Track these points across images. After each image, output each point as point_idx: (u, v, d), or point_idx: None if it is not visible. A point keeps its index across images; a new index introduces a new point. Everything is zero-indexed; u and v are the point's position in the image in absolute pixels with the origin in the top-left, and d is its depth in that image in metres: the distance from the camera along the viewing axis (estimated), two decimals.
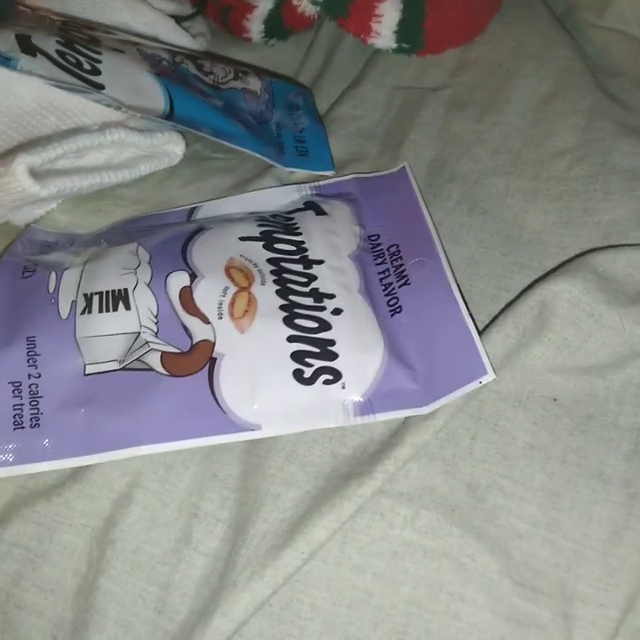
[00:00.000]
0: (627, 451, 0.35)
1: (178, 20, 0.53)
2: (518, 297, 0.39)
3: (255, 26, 0.54)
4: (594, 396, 0.37)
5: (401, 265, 0.40)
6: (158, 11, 0.50)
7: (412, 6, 0.51)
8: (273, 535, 0.33)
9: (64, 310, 0.37)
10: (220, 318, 0.36)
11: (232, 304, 0.37)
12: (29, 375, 0.35)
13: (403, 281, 0.39)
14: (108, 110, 0.41)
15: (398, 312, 0.38)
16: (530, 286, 0.39)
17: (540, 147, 0.47)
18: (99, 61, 0.40)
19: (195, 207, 0.44)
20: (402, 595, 0.32)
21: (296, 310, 0.37)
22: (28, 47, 0.39)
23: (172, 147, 0.45)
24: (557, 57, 0.53)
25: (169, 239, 0.40)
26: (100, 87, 0.39)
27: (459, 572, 0.32)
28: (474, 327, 0.36)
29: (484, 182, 0.46)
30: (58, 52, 0.39)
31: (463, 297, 0.38)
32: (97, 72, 0.39)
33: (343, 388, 0.35)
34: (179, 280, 0.37)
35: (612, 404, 0.36)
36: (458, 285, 0.38)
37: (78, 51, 0.40)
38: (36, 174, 0.38)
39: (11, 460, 0.34)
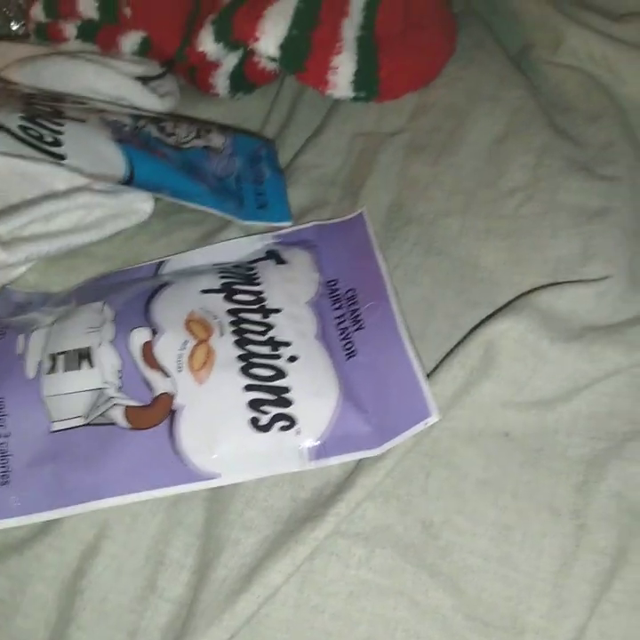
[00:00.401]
0: (576, 482, 0.36)
1: (147, 80, 0.55)
2: (468, 336, 0.40)
3: (221, 82, 0.56)
4: (544, 429, 0.38)
5: (356, 309, 0.42)
6: (125, 74, 0.53)
7: (367, 57, 0.53)
8: (232, 580, 0.34)
9: (31, 371, 0.38)
10: (180, 371, 0.38)
11: (191, 357, 0.38)
12: None
13: (358, 325, 0.41)
14: (74, 174, 0.43)
15: (353, 356, 0.40)
16: (480, 324, 0.40)
17: (493, 186, 0.49)
18: (61, 133, 0.42)
19: (162, 261, 0.46)
20: (359, 633, 0.33)
21: (253, 360, 0.38)
22: None
23: (140, 204, 0.47)
24: (511, 97, 0.54)
25: (133, 296, 0.42)
26: (61, 158, 0.41)
27: (413, 609, 0.33)
28: (421, 370, 0.37)
29: (440, 223, 0.47)
30: (20, 127, 0.41)
31: (413, 339, 0.39)
32: (58, 143, 0.42)
33: (298, 433, 0.36)
34: (140, 336, 0.39)
35: (561, 436, 0.37)
36: (408, 328, 0.39)
37: (41, 124, 0.42)
38: (3, 242, 0.40)
39: None
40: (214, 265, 0.45)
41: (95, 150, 0.43)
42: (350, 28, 0.54)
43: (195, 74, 0.57)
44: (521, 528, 0.35)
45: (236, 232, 0.48)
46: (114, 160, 0.43)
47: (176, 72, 0.59)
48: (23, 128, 0.41)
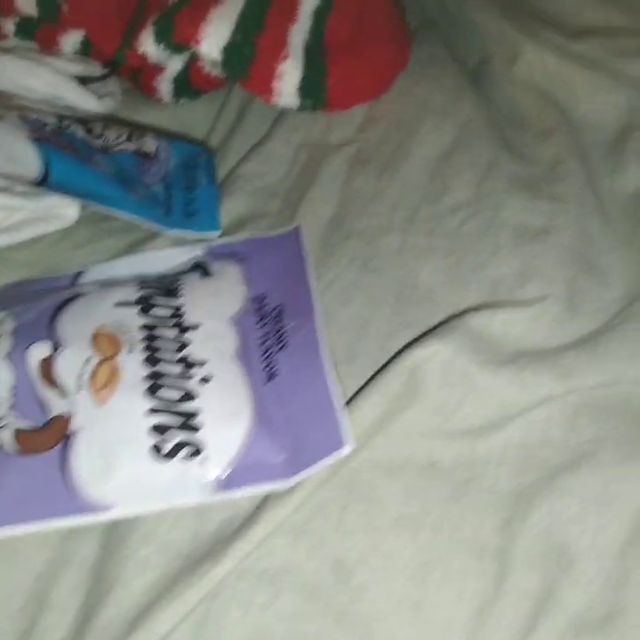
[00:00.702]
0: (502, 518, 0.32)
1: (86, 80, 0.51)
2: (392, 360, 0.36)
3: (165, 86, 0.53)
4: (473, 460, 0.34)
5: (281, 328, 0.38)
6: (62, 73, 0.49)
7: (314, 64, 0.50)
8: (118, 625, 0.30)
9: None
10: (79, 391, 0.34)
11: (93, 375, 0.34)
12: None
13: (281, 345, 0.37)
14: None
15: (273, 378, 0.36)
16: (406, 347, 0.37)
17: (436, 202, 0.45)
18: None
19: (81, 271, 0.42)
20: None
21: (161, 380, 0.34)
22: None
23: (64, 209, 0.43)
24: (460, 112, 0.51)
25: (41, 307, 0.38)
26: None
27: None
28: (338, 396, 0.34)
29: (380, 239, 0.44)
30: None
31: (335, 362, 0.36)
32: None
33: (204, 462, 0.32)
34: (40, 351, 0.35)
35: (491, 467, 0.34)
36: (331, 350, 0.36)
37: None
38: None
39: None
40: (137, 276, 0.41)
41: (8, 149, 0.39)
42: (298, 35, 0.50)
43: (139, 77, 0.54)
44: (440, 568, 0.31)
45: (166, 242, 0.44)
46: (28, 159, 0.39)
47: (121, 74, 0.55)
48: None
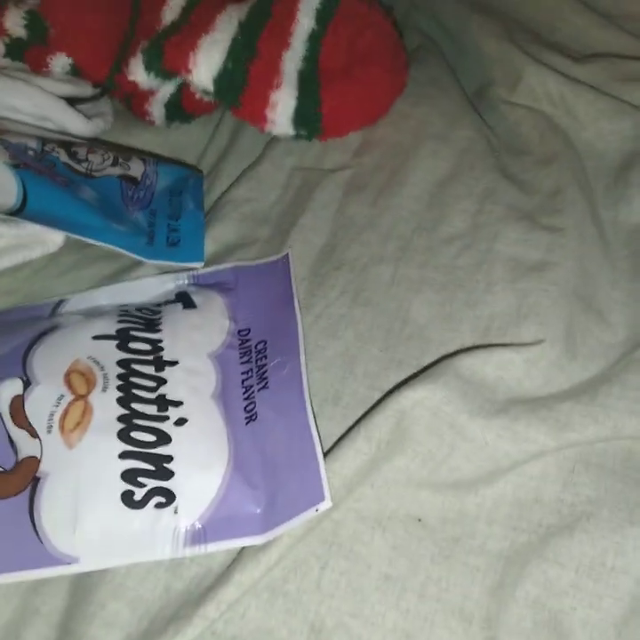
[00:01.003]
0: (492, 583, 0.29)
1: (76, 101, 0.49)
2: (378, 403, 0.33)
3: (157, 110, 0.50)
4: (463, 516, 0.31)
5: (264, 365, 0.35)
6: (49, 93, 0.47)
7: (309, 92, 0.47)
8: None
9: None
10: (49, 432, 0.31)
11: (65, 415, 0.31)
12: None
13: (263, 384, 0.34)
14: None
15: (253, 420, 0.33)
16: (394, 390, 0.34)
17: (432, 232, 0.42)
18: None
19: (62, 300, 0.39)
20: None
21: (135, 421, 0.31)
22: None
23: (49, 235, 0.41)
24: (459, 137, 0.48)
25: (15, 339, 0.35)
26: None
27: None
28: (318, 443, 0.31)
29: (371, 270, 0.41)
30: None
31: (328, 401, 0.33)
32: None
33: (176, 512, 0.30)
34: (11, 388, 0.32)
35: (482, 525, 0.31)
36: (310, 391, 0.33)
37: None
38: None
39: None
40: (118, 306, 0.39)
41: None
42: (292, 62, 0.47)
43: (131, 99, 0.51)
44: (425, 636, 0.28)
45: (152, 270, 0.41)
46: (5, 187, 0.37)
47: (113, 95, 0.52)
48: None
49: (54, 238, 0.41)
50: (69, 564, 0.29)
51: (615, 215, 0.43)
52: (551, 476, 0.31)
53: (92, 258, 0.43)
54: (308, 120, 0.47)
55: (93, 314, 0.38)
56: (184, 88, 0.49)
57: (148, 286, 0.40)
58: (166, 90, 0.49)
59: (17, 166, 0.38)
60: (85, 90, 0.50)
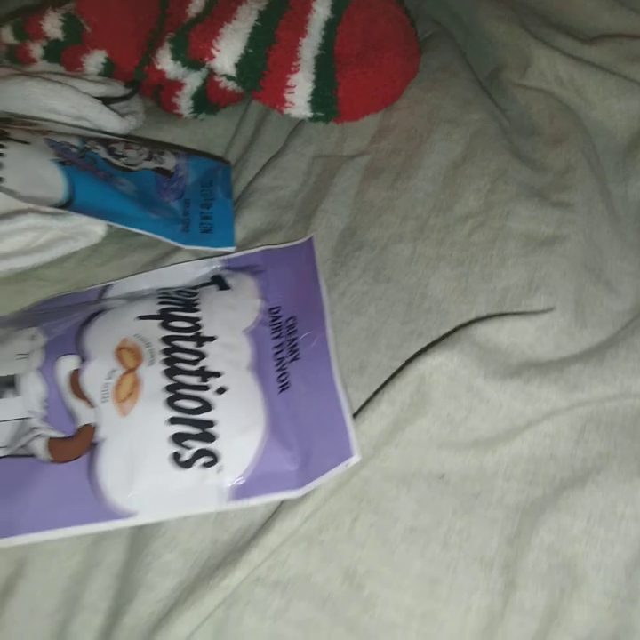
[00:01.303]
0: (510, 532, 0.31)
1: (110, 100, 0.51)
2: (400, 370, 0.35)
3: (184, 102, 0.52)
4: (482, 472, 0.33)
5: (294, 339, 0.37)
6: (84, 94, 0.48)
7: (325, 76, 0.48)
8: (141, 629, 0.29)
9: None
10: (104, 401, 0.33)
11: (117, 387, 0.34)
12: None
13: (294, 356, 0.36)
14: (8, 198, 0.39)
15: (286, 389, 0.35)
16: (413, 358, 0.35)
17: (447, 212, 0.44)
18: (2, 155, 0.38)
19: (108, 285, 0.41)
20: None
21: (180, 391, 0.34)
22: None
23: (92, 227, 0.43)
24: (471, 120, 0.49)
25: (69, 322, 0.37)
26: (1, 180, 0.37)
27: None
28: (347, 406, 0.32)
29: (391, 249, 0.42)
30: None
31: (345, 372, 0.34)
32: (2, 165, 0.38)
33: (220, 470, 0.32)
34: (68, 364, 0.34)
35: (499, 480, 0.32)
36: (344, 362, 0.35)
37: None
38: None
39: None
40: (159, 290, 0.41)
41: (35, 173, 0.38)
42: (308, 48, 0.49)
43: (159, 94, 0.53)
44: (448, 581, 0.30)
45: (187, 256, 0.43)
46: (54, 182, 0.39)
47: (142, 93, 0.54)
48: None
49: (97, 230, 0.43)
50: (127, 518, 0.31)
51: (625, 190, 0.44)
52: (564, 434, 0.32)
53: (131, 247, 0.45)
54: (325, 102, 0.49)
55: (136, 297, 0.40)
56: (210, 79, 0.50)
57: (185, 271, 0.42)
58: (193, 82, 0.51)
59: (63, 163, 0.39)
60: (117, 90, 0.52)
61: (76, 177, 0.39)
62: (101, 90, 0.50)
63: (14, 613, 0.31)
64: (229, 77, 0.47)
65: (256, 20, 0.47)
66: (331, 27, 0.49)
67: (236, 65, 0.46)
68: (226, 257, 0.42)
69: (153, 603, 0.30)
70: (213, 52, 0.46)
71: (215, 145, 0.54)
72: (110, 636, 0.30)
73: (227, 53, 0.46)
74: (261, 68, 0.47)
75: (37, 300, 0.42)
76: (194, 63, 0.47)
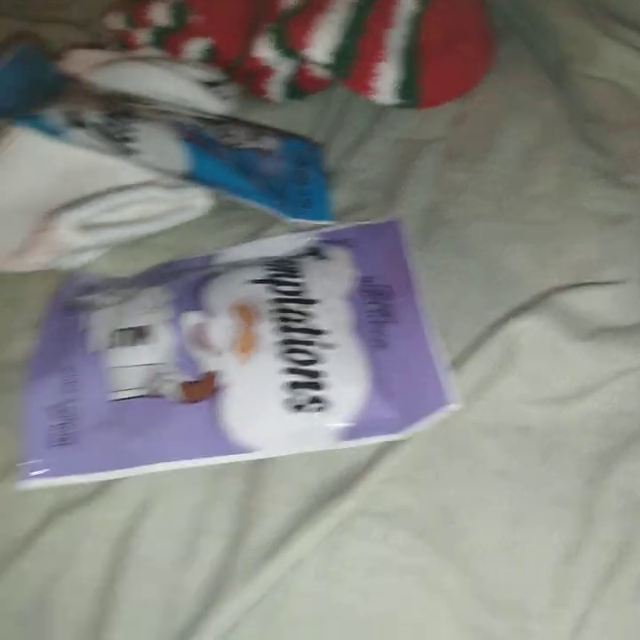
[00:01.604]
0: (586, 477, 0.33)
1: (209, 85, 0.53)
2: (490, 332, 0.37)
3: (275, 88, 0.54)
4: (560, 426, 0.35)
5: (388, 304, 0.40)
6: (189, 78, 0.51)
7: (409, 65, 0.50)
8: (264, 548, 0.32)
9: (95, 345, 0.38)
10: (226, 352, 0.36)
11: (237, 340, 0.37)
12: (67, 400, 0.37)
13: (388, 319, 0.39)
14: (142, 170, 0.42)
15: (383, 347, 0.38)
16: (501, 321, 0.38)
17: (522, 192, 0.45)
18: (134, 130, 0.41)
19: (215, 253, 0.44)
20: (375, 607, 0.31)
21: (292, 345, 0.37)
22: (75, 121, 0.41)
23: (199, 200, 0.46)
24: (544, 107, 0.51)
25: (189, 282, 0.40)
26: (135, 153, 0.40)
27: (427, 587, 0.31)
28: (444, 362, 0.35)
29: (470, 227, 0.44)
30: (101, 124, 0.40)
31: (438, 334, 0.37)
32: (133, 140, 0.41)
33: (331, 415, 0.35)
34: (194, 318, 0.38)
35: (576, 433, 0.35)
36: (433, 324, 0.37)
37: (117, 122, 0.41)
38: (78, 228, 0.39)
39: (47, 472, 0.35)
40: (261, 258, 0.43)
41: (163, 148, 0.41)
42: (395, 38, 0.50)
43: (251, 80, 0.55)
44: (532, 517, 0.32)
45: (284, 229, 0.46)
46: (178, 157, 0.42)
47: (234, 78, 0.57)
48: (104, 125, 0.40)
49: (203, 203, 0.46)
50: (248, 452, 0.35)
51: None
52: (632, 392, 0.35)
53: (232, 220, 0.47)
54: (408, 90, 0.50)
55: (242, 265, 0.43)
56: (300, 67, 0.52)
57: (283, 243, 0.44)
58: (284, 69, 0.53)
59: (184, 140, 0.42)
60: (215, 75, 0.54)
61: (194, 152, 0.42)
62: (203, 75, 0.52)
63: (148, 532, 0.34)
64: (324, 66, 0.49)
65: (349, 12, 0.49)
66: (416, 18, 0.50)
67: (331, 54, 0.48)
68: (319, 231, 0.45)
69: (271, 528, 0.33)
70: (311, 42, 0.48)
71: (301, 128, 0.55)
72: (234, 554, 0.33)
73: (323, 43, 0.48)
74: (352, 56, 0.49)
75: (149, 265, 0.45)
76: (290, 52, 0.50)
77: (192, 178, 0.42)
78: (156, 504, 0.35)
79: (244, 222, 0.47)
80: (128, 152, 0.41)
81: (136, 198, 0.42)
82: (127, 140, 0.41)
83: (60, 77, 0.48)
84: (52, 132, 0.40)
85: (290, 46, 0.49)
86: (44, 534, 0.34)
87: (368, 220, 0.46)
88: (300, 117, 0.56)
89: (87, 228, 0.40)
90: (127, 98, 0.47)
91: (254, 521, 0.34)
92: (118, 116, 0.42)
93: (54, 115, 0.41)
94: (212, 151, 0.44)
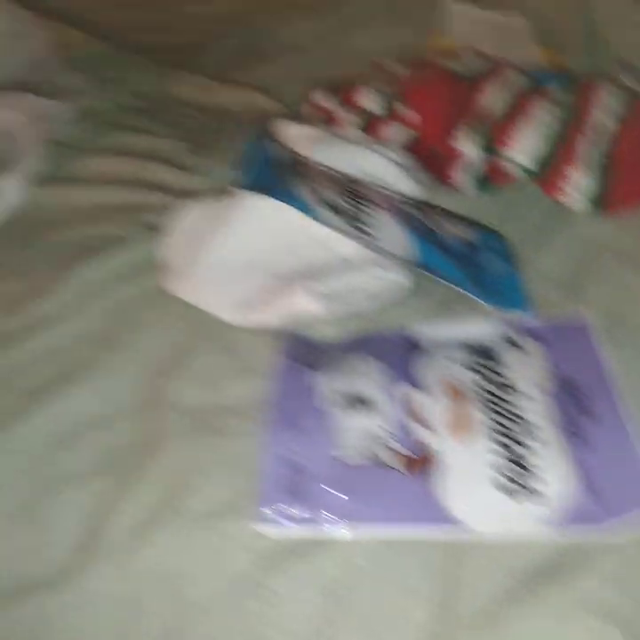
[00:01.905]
0: None
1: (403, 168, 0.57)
2: None
3: (465, 179, 0.57)
4: None
5: (583, 400, 0.41)
6: (389, 160, 0.54)
7: (600, 176, 0.53)
8: (481, 619, 0.34)
9: (321, 404, 0.41)
10: (441, 429, 0.39)
11: (451, 418, 0.39)
12: (294, 452, 0.39)
13: (588, 418, 0.40)
14: (365, 250, 0.45)
15: (585, 445, 0.39)
16: None
17: None
18: (367, 214, 0.45)
19: (414, 329, 0.47)
20: None
21: (502, 430, 0.38)
22: (321, 200, 0.45)
23: (403, 281, 0.48)
24: None
25: (399, 356, 0.43)
26: (369, 236, 0.44)
27: None
28: None
29: None
30: (341, 205, 0.44)
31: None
32: (366, 223, 0.45)
33: (542, 505, 0.36)
34: (408, 391, 0.41)
35: None
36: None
37: (351, 203, 0.45)
38: (319, 299, 0.44)
39: (278, 519, 0.37)
40: (462, 339, 0.46)
41: (393, 235, 0.45)
42: (590, 149, 0.54)
43: (439, 167, 0.58)
44: None
45: (477, 316, 0.47)
46: (406, 246, 0.45)
47: (426, 165, 0.59)
48: (339, 205, 0.44)
49: (406, 284, 0.48)
50: (459, 524, 0.36)
51: None
52: None
53: (430, 302, 0.49)
54: (596, 197, 0.53)
55: (444, 345, 0.45)
56: (493, 162, 0.56)
57: (480, 328, 0.46)
58: (476, 162, 0.56)
59: (409, 229, 0.46)
60: (407, 160, 0.57)
61: (420, 242, 0.46)
62: (397, 158, 0.55)
63: (358, 586, 0.36)
64: (524, 170, 0.53)
65: (553, 124, 0.52)
66: (608, 131, 0.54)
67: (533, 160, 0.52)
68: (514, 321, 0.47)
69: (477, 601, 0.35)
70: (515, 145, 0.52)
71: (482, 218, 0.58)
72: (445, 620, 0.34)
73: (526, 148, 0.52)
74: (549, 161, 0.52)
75: (355, 333, 0.47)
76: (491, 149, 0.54)
77: (421, 267, 0.45)
78: (370, 562, 0.36)
79: (439, 305, 0.49)
80: (364, 234, 0.44)
81: (365, 278, 0.45)
82: (360, 221, 0.45)
83: (289, 153, 0.53)
84: (304, 209, 0.45)
85: (493, 146, 0.53)
86: (267, 577, 0.36)
87: (554, 316, 0.48)
88: (480, 206, 0.59)
89: (325, 298, 0.44)
90: (348, 177, 0.51)
91: (458, 589, 0.35)
92: (350, 197, 0.46)
93: (304, 192, 0.45)
94: (432, 240, 0.47)
